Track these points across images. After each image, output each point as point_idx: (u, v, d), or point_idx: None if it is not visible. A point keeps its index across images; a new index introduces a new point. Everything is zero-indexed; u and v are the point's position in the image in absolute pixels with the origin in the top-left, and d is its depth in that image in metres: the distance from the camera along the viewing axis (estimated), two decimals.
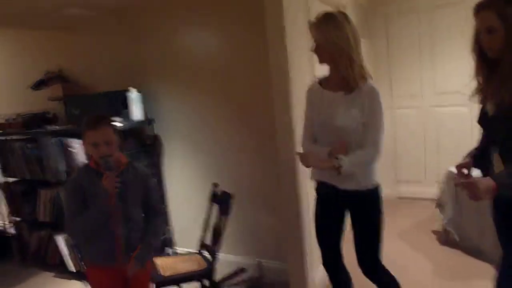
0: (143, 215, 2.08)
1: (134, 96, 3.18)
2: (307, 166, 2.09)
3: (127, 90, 3.18)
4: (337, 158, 1.87)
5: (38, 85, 3.80)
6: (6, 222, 4.35)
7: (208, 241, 2.88)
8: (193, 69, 3.22)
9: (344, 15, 1.93)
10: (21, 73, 4.30)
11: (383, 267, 2.12)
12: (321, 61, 2.01)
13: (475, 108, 1.85)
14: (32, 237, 3.85)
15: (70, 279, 3.50)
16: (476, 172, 1.82)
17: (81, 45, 3.77)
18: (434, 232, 3.67)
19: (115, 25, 3.51)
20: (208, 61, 3.16)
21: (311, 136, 2.12)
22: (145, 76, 3.42)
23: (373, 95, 1.91)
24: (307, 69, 2.86)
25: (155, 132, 3.41)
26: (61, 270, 3.62)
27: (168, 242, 3.56)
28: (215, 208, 2.88)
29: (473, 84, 1.75)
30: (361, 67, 1.93)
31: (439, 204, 3.49)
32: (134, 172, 2.02)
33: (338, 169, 1.86)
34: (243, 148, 3.13)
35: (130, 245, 1.96)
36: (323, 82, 2.08)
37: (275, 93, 2.67)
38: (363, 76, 1.93)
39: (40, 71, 3.86)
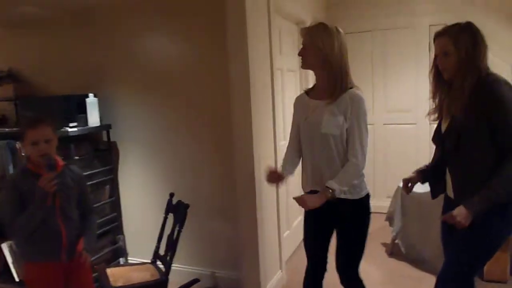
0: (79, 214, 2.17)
1: (91, 101, 3.11)
2: (307, 209, 2.08)
3: (85, 95, 3.11)
4: (327, 187, 1.91)
5: None
6: None
7: (162, 251, 2.85)
8: (152, 75, 3.19)
9: (336, 28, 1.99)
10: None
11: (360, 277, 2.16)
12: (304, 65, 2.06)
13: (423, 127, 2.01)
14: None
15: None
16: (423, 187, 1.97)
17: (35, 45, 3.63)
18: (384, 244, 3.83)
19: (71, 26, 3.42)
20: (167, 67, 3.14)
21: (295, 149, 2.18)
22: (102, 80, 3.35)
23: (357, 102, 1.95)
24: (267, 81, 2.94)
25: (111, 138, 3.34)
26: (4, 279, 3.44)
27: (121, 252, 3.48)
28: (171, 218, 2.86)
29: (422, 103, 1.94)
30: (346, 74, 1.98)
31: (389, 217, 3.66)
32: (71, 174, 2.10)
33: (333, 196, 1.90)
34: (201, 157, 3.13)
35: (72, 242, 2.06)
36: (309, 92, 2.14)
37: (234, 102, 2.73)
38: (348, 84, 1.98)
39: None
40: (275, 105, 3.04)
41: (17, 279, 3.30)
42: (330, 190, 1.90)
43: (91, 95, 3.12)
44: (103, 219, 3.30)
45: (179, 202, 2.84)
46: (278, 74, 3.20)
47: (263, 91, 2.86)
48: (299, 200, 1.96)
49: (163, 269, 2.70)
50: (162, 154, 3.26)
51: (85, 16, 3.32)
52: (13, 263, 3.30)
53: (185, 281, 3.09)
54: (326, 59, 1.95)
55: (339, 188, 1.91)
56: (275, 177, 2.15)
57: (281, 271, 3.22)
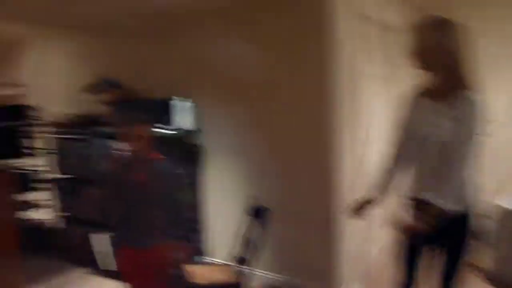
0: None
1: (183, 105, 3.26)
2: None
3: (173, 99, 3.27)
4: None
5: (94, 90, 3.98)
6: (55, 217, 4.52)
7: (242, 254, 2.86)
8: (240, 81, 3.26)
9: (453, 20, 1.80)
10: (79, 77, 4.52)
11: None
12: (423, 66, 1.86)
13: None
14: (75, 233, 3.98)
15: (105, 276, 3.58)
16: None
17: (134, 53, 3.92)
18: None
19: (166, 35, 3.64)
20: (255, 73, 3.19)
21: (401, 156, 2.01)
22: (193, 86, 3.50)
23: (473, 107, 1.74)
24: (355, 86, 2.86)
25: (200, 142, 3.47)
26: (95, 267, 3.71)
27: (201, 251, 3.57)
28: (253, 221, 2.87)
29: None
30: (464, 74, 1.79)
31: (482, 238, 3.32)
32: (162, 168, 2.28)
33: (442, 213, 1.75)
34: (286, 163, 3.12)
35: (158, 231, 2.23)
36: (423, 93, 1.94)
37: (325, 108, 2.67)
38: (467, 85, 1.78)
39: (96, 76, 4.05)
40: (363, 112, 2.94)
41: (101, 268, 3.54)
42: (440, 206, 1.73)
43: (183, 99, 3.28)
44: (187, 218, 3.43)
45: (262, 206, 2.85)
46: (365, 80, 3.09)
47: (353, 97, 2.78)
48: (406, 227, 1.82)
49: (242, 272, 2.71)
50: (247, 159, 3.31)
51: (179, 26, 3.52)
52: (98, 252, 3.55)
53: (263, 286, 3.08)
54: (450, 60, 1.77)
55: (449, 202, 1.74)
56: (363, 208, 2.05)
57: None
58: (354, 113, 2.87)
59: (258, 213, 2.87)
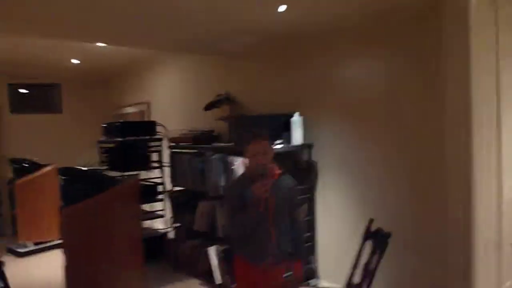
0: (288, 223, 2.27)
1: (296, 120, 3.22)
2: None
3: (290, 115, 3.24)
4: None
5: (210, 106, 4.16)
6: (168, 227, 4.80)
7: (356, 279, 2.68)
8: (354, 97, 3.13)
9: None
10: (195, 94, 4.81)
11: None
12: None
13: None
14: (186, 244, 4.14)
15: None
16: None
17: (247, 70, 4.03)
18: None
19: (279, 52, 3.67)
20: (368, 90, 3.05)
21: None
22: (305, 102, 3.45)
23: None
24: (491, 106, 2.52)
25: (312, 157, 3.38)
26: (207, 279, 3.79)
27: (312, 273, 3.44)
28: (368, 245, 2.68)
29: None
30: None
31: None
32: (284, 183, 2.24)
33: None
34: (405, 183, 2.87)
35: (280, 248, 2.18)
36: None
37: (449, 127, 2.41)
38: None
39: (211, 93, 4.24)
40: (502, 135, 2.59)
41: (217, 282, 3.58)
42: None
43: (296, 114, 3.24)
44: None
45: (379, 229, 2.64)
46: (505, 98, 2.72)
47: (486, 117, 2.46)
48: None
49: None
50: (362, 178, 3.13)
51: (291, 43, 3.51)
52: (216, 267, 3.60)
53: None
54: None
55: None
56: None
57: None
58: (492, 137, 2.53)
59: (376, 237, 2.67)
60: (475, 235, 2.34)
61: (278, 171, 2.22)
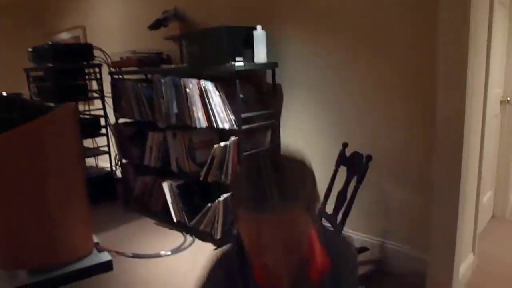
0: None
1: (259, 34, 2.76)
2: None
3: (252, 27, 2.78)
4: None
5: (156, 25, 3.58)
6: (114, 164, 4.34)
7: (329, 210, 2.45)
8: (329, 7, 2.69)
9: None
10: (137, 13, 4.18)
11: None
12: None
13: None
14: (136, 182, 3.74)
15: (171, 228, 3.31)
16: None
17: None
18: None
19: None
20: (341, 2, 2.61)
21: None
22: (268, 14, 2.98)
23: None
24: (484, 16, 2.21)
25: (276, 80, 2.98)
26: (162, 218, 3.46)
27: None
28: (343, 171, 2.43)
29: None
30: None
31: None
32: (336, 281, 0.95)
33: None
34: (382, 104, 2.56)
35: None
36: None
37: (442, 44, 2.06)
38: None
39: (157, 10, 3.66)
40: (491, 48, 2.31)
41: (175, 220, 3.26)
42: None
43: (259, 27, 2.78)
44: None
45: (356, 153, 2.37)
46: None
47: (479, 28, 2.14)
48: None
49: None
50: (333, 99, 2.78)
51: None
52: (172, 203, 3.26)
53: None
54: None
55: None
56: None
57: (473, 255, 2.55)
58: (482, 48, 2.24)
59: (351, 162, 2.40)
60: (465, 160, 2.10)
61: (326, 264, 0.92)
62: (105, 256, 2.77)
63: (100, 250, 2.85)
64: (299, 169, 0.80)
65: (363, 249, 2.66)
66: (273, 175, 0.74)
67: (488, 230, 3.11)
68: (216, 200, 2.88)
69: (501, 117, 3.26)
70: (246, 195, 0.75)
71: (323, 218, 2.49)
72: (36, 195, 2.44)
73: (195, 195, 3.26)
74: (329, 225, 2.43)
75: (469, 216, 2.38)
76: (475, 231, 2.53)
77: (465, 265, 2.43)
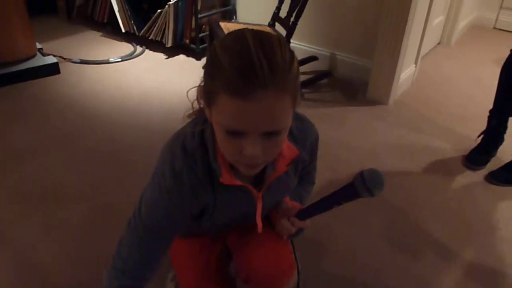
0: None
1: None
2: None
3: None
4: None
5: None
6: None
7: (283, 14, 2.40)
8: None
9: None
10: None
11: None
12: None
13: None
14: None
15: (120, 40, 3.18)
16: None
17: None
18: None
19: None
20: None
21: None
22: None
23: None
24: None
25: None
26: (109, 30, 3.28)
27: (231, 14, 3.09)
28: None
29: None
30: None
31: None
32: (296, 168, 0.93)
33: None
34: None
35: None
36: None
37: None
38: None
39: None
40: None
41: (123, 30, 3.10)
42: None
43: None
44: None
45: None
46: None
47: None
48: None
49: (283, 33, 2.28)
50: None
51: None
52: (119, 11, 3.06)
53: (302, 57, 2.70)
54: None
55: None
56: None
57: (415, 66, 2.69)
58: None
59: None
60: None
61: (294, 152, 0.85)
62: (50, 59, 2.67)
63: (44, 54, 2.73)
64: (285, 49, 0.64)
65: (311, 58, 2.73)
66: (261, 49, 0.60)
67: (433, 53, 3.26)
68: (166, 5, 2.74)
69: None
70: (230, 73, 0.60)
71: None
72: None
73: (143, 2, 3.06)
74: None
75: (416, 31, 2.43)
76: (420, 46, 2.61)
77: (406, 74, 2.58)
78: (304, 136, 0.89)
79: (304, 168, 0.95)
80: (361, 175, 0.73)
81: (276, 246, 0.98)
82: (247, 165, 0.72)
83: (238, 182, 0.79)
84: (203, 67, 0.69)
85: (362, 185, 0.72)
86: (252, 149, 0.65)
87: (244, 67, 0.60)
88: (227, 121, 0.64)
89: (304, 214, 0.90)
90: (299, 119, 0.89)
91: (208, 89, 0.66)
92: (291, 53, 0.65)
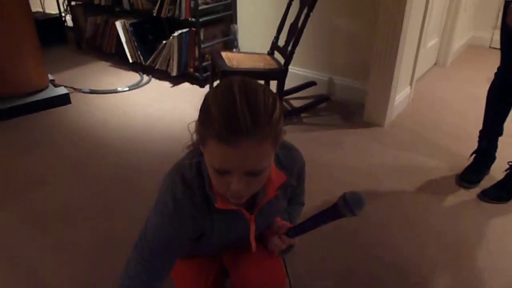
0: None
1: None
2: None
3: None
4: None
5: None
6: (63, 9, 4.10)
7: (281, 43, 2.52)
8: None
9: None
10: None
11: None
12: None
13: None
14: (87, 23, 3.60)
15: (127, 69, 3.33)
16: None
17: None
18: None
19: None
20: None
21: None
22: None
23: None
24: None
25: None
26: (117, 59, 3.44)
27: (232, 43, 3.22)
28: (295, 4, 2.45)
29: None
30: None
31: None
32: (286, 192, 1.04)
33: None
34: None
35: None
36: None
37: None
38: None
39: None
40: None
41: (130, 60, 3.26)
42: None
43: None
44: (216, 4, 2.98)
45: None
46: None
47: None
48: None
49: (282, 61, 2.40)
50: None
51: None
52: (126, 43, 3.22)
53: (300, 83, 2.81)
54: None
55: None
56: None
57: (410, 88, 2.79)
58: None
59: None
60: (408, 3, 2.16)
61: (282, 179, 0.94)
62: (62, 90, 2.82)
63: (56, 85, 2.87)
64: (269, 98, 0.74)
65: (310, 84, 2.84)
66: (245, 101, 0.70)
67: (429, 74, 3.35)
68: (171, 36, 2.88)
69: None
70: (217, 119, 0.70)
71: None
72: None
73: (149, 34, 3.22)
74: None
75: (409, 54, 2.54)
76: (415, 67, 2.72)
77: (401, 96, 2.68)
78: (292, 163, 0.99)
79: (292, 191, 1.05)
80: (343, 197, 0.82)
81: (268, 262, 1.07)
82: (234, 197, 0.83)
83: (232, 207, 0.89)
84: (199, 111, 0.78)
85: (345, 207, 0.81)
86: (237, 186, 0.76)
87: (229, 120, 0.69)
88: (215, 162, 0.75)
89: (293, 232, 0.99)
90: (286, 148, 0.99)
91: (200, 133, 0.77)
92: (274, 99, 0.75)
